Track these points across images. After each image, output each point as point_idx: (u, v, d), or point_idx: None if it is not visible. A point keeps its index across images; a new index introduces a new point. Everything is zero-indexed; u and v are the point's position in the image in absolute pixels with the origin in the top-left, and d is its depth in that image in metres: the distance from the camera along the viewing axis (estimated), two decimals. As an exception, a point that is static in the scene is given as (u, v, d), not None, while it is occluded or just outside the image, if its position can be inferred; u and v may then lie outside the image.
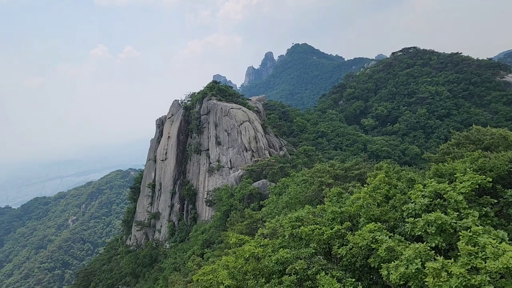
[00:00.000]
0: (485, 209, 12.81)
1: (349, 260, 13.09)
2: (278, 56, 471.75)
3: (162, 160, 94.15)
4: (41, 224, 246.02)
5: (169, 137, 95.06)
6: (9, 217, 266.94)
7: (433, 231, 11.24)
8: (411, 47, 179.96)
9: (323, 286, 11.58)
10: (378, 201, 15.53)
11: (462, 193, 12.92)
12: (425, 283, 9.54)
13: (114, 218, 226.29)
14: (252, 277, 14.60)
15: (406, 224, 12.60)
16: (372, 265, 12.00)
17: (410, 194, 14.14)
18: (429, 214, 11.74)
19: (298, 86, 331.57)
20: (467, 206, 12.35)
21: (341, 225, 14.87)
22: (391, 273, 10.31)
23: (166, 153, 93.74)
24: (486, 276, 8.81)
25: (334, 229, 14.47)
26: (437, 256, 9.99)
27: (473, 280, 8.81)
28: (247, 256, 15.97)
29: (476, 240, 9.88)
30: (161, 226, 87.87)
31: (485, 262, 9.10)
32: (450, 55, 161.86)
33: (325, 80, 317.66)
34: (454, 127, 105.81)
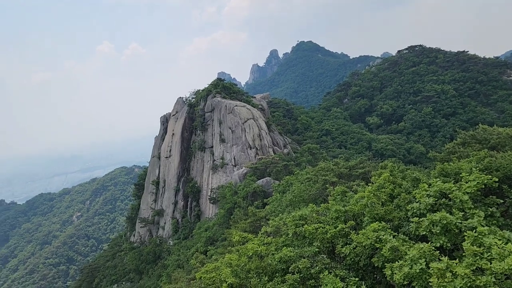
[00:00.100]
0: (491, 209, 12.68)
1: (352, 259, 13.02)
2: (283, 54, 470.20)
3: (166, 157, 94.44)
4: (46, 220, 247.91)
5: (173, 134, 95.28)
6: (14, 213, 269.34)
7: (438, 231, 11.15)
8: (417, 45, 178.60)
9: (326, 285, 11.52)
10: (383, 200, 15.45)
11: (467, 193, 12.80)
12: (430, 283, 9.45)
13: (118, 214, 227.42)
14: (255, 275, 14.59)
15: (411, 224, 12.51)
16: (375, 265, 11.93)
17: (415, 193, 14.04)
18: (434, 214, 11.64)
19: (303, 84, 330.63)
20: (472, 206, 12.24)
21: (345, 224, 14.79)
22: (395, 273, 10.24)
23: (170, 150, 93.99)
24: (491, 277, 8.72)
25: (338, 228, 14.41)
26: (441, 257, 9.90)
27: (478, 281, 8.72)
28: (250, 254, 15.95)
29: (482, 241, 9.78)
30: (164, 223, 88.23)
31: (491, 263, 9.00)
32: (456, 53, 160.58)
33: (330, 78, 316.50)
34: (460, 126, 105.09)
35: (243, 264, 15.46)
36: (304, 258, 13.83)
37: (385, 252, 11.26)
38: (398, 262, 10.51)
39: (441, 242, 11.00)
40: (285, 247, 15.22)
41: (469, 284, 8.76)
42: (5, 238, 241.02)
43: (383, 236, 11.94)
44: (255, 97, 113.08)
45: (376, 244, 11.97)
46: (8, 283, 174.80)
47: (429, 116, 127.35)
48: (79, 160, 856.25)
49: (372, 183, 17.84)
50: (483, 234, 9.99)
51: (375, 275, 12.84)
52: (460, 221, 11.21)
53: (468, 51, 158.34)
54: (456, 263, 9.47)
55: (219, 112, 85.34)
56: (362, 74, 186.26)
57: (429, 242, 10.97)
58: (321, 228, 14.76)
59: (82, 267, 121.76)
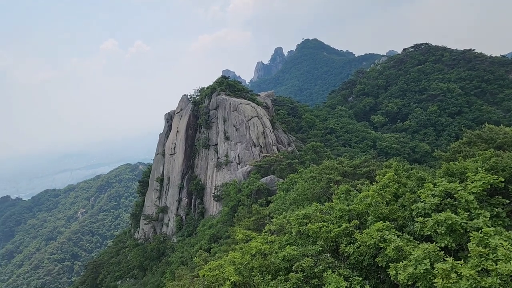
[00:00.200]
0: (496, 209, 12.56)
1: (356, 259, 12.99)
2: (288, 52, 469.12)
3: (171, 155, 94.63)
4: (51, 216, 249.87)
5: (177, 131, 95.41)
6: (20, 209, 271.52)
7: (443, 231, 11.08)
8: (423, 43, 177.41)
9: (329, 284, 11.50)
10: (387, 199, 15.38)
11: (473, 193, 12.70)
12: (434, 284, 9.39)
13: (122, 211, 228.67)
14: (258, 273, 14.58)
15: (415, 224, 12.45)
16: (380, 264, 11.88)
17: (420, 193, 13.96)
18: (439, 213, 11.57)
19: (308, 82, 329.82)
20: (478, 206, 12.14)
21: (349, 223, 14.76)
22: (399, 273, 10.19)
23: (174, 147, 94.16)
24: (497, 279, 8.65)
25: (341, 227, 14.37)
26: (446, 257, 9.84)
27: (483, 283, 8.65)
28: (254, 252, 15.95)
29: (487, 242, 9.70)
30: (168, 220, 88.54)
31: (496, 264, 8.93)
32: (462, 51, 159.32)
33: (335, 76, 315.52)
34: (466, 125, 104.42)
35: (246, 262, 15.46)
36: (307, 257, 13.81)
37: (389, 251, 11.21)
38: (403, 262, 10.47)
39: (446, 242, 10.93)
40: (288, 246, 15.21)
41: (474, 286, 8.69)
42: (11, 233, 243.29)
43: (388, 235, 11.89)
44: (259, 95, 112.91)
45: (380, 244, 11.92)
46: (14, 278, 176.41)
47: (435, 115, 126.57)
48: (84, 157, 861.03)
49: (377, 182, 17.78)
50: (488, 235, 9.91)
51: (379, 275, 12.80)
52: (465, 222, 11.13)
53: (474, 50, 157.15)
54: (461, 264, 9.41)
55: (224, 109, 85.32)
56: (367, 72, 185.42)
57: (434, 242, 10.91)
58: (325, 227, 14.73)
59: (86, 263, 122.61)
